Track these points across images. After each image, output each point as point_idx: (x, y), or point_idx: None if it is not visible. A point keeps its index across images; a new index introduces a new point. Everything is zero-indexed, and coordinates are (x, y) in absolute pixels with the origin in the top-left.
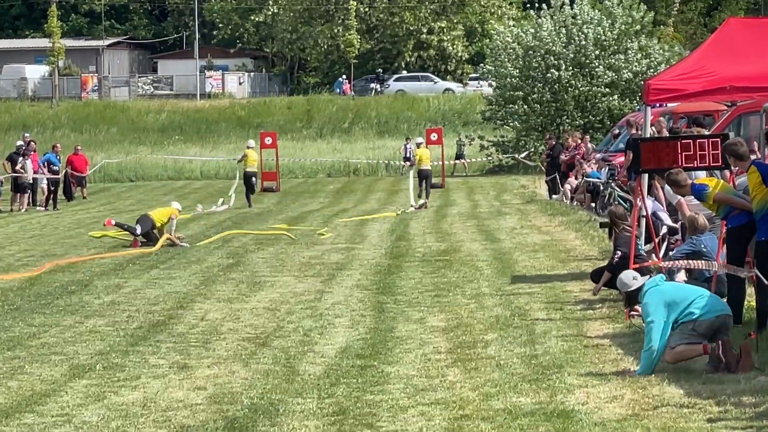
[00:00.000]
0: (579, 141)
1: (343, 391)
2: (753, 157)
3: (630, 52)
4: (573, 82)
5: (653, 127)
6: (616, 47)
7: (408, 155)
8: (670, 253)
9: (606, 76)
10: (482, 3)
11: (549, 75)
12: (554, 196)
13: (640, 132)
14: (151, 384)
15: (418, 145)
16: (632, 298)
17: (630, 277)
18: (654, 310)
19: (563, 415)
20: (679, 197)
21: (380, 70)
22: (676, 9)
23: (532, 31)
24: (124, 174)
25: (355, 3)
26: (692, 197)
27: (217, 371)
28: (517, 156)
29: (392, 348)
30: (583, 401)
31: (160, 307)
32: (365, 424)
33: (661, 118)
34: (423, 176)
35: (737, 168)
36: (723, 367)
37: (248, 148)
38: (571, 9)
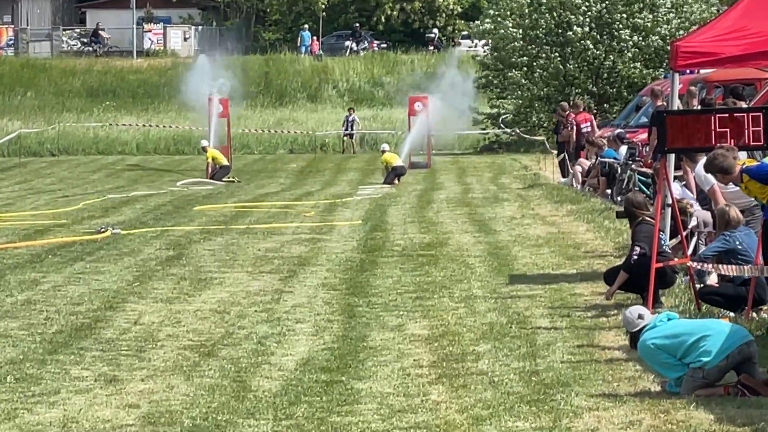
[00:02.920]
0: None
1: (304, 412)
2: None
3: (662, 9)
4: (589, 45)
5: (682, 99)
6: (644, 3)
7: (349, 129)
8: (701, 250)
9: (630, 42)
10: None
11: (560, 36)
12: (562, 180)
13: (666, 104)
14: (72, 400)
15: (383, 152)
16: (636, 339)
17: (636, 315)
18: (647, 357)
19: None
20: (714, 183)
21: (357, 24)
22: None
23: None
24: (45, 147)
25: None
26: (732, 186)
27: (152, 385)
28: (517, 131)
29: (364, 360)
30: (593, 427)
31: (85, 308)
32: None
33: (692, 88)
34: (398, 173)
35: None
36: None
37: (204, 150)
38: None
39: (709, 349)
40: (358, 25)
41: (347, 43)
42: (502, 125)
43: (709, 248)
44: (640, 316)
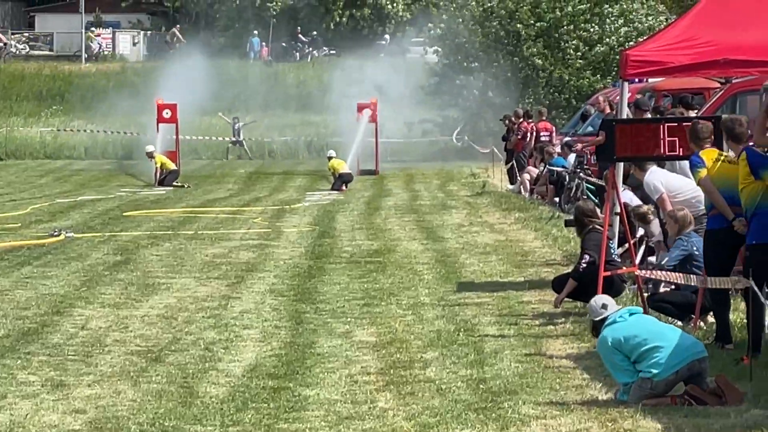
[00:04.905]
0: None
1: (251, 418)
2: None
3: (608, 19)
4: (540, 62)
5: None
6: (591, 14)
7: (237, 137)
8: (650, 258)
9: (578, 53)
10: None
11: (510, 45)
12: (510, 187)
13: (614, 112)
14: (19, 405)
15: (330, 158)
16: (597, 329)
17: (599, 305)
18: (603, 354)
19: None
20: (663, 191)
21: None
22: None
23: None
24: None
25: None
26: (681, 195)
27: (99, 391)
28: (466, 138)
29: (312, 367)
30: None
31: (32, 313)
32: None
33: (638, 96)
34: (346, 180)
35: (730, 151)
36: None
37: (151, 157)
38: None
39: (660, 362)
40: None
41: (307, 49)
42: (456, 137)
43: (672, 257)
44: (604, 306)
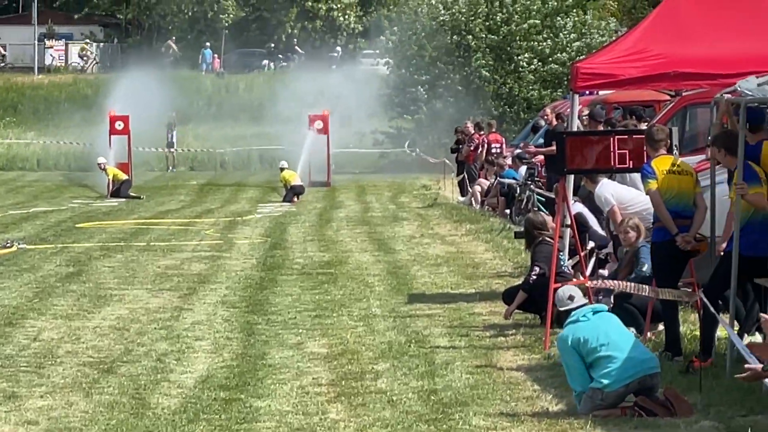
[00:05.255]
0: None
1: (203, 430)
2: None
3: (562, 34)
4: (488, 74)
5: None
6: (543, 28)
7: (170, 142)
8: (600, 271)
9: (530, 67)
10: None
11: (461, 57)
12: (461, 199)
13: (565, 124)
14: None
15: (282, 170)
16: (561, 319)
17: (566, 296)
18: (562, 353)
19: None
20: (613, 204)
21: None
22: None
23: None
24: None
25: None
26: (632, 206)
27: (51, 402)
28: (417, 150)
29: (263, 378)
30: None
31: None
32: None
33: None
34: (297, 192)
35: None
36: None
37: (103, 169)
38: None
39: (611, 373)
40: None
41: (264, 61)
42: (407, 147)
43: (647, 265)
44: (571, 297)
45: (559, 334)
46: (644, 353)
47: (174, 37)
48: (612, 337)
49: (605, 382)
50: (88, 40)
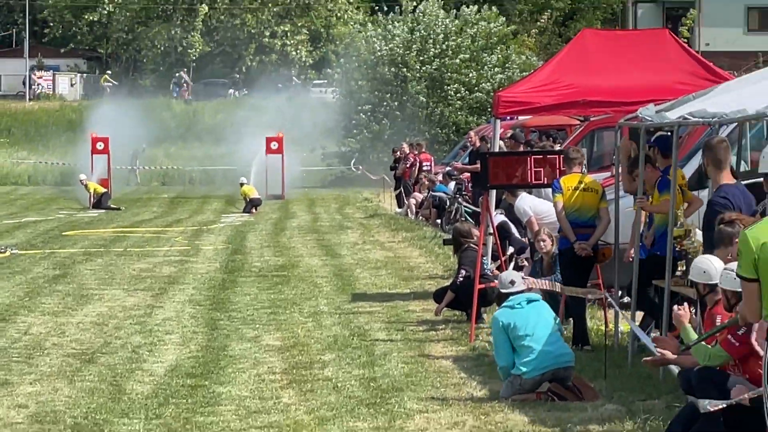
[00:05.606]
0: (407, 151)
1: (171, 412)
2: (603, 176)
3: (487, 67)
4: (424, 100)
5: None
6: (471, 63)
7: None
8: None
9: (458, 96)
10: (328, 7)
11: (399, 87)
12: (398, 210)
13: (488, 145)
14: None
15: (242, 185)
16: (501, 300)
17: (508, 280)
18: (493, 330)
19: None
20: (531, 215)
21: (108, 72)
22: (543, 19)
23: (382, 35)
24: None
25: (205, 7)
26: (550, 218)
27: (39, 388)
28: (360, 168)
29: (225, 367)
30: (422, 427)
31: None
32: None
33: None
34: (255, 204)
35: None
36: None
37: (84, 185)
38: (422, 14)
39: (530, 362)
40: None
41: (230, 90)
42: (353, 165)
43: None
44: (512, 282)
45: (495, 312)
46: (562, 348)
47: (185, 69)
48: (537, 330)
49: (524, 369)
50: (106, 75)
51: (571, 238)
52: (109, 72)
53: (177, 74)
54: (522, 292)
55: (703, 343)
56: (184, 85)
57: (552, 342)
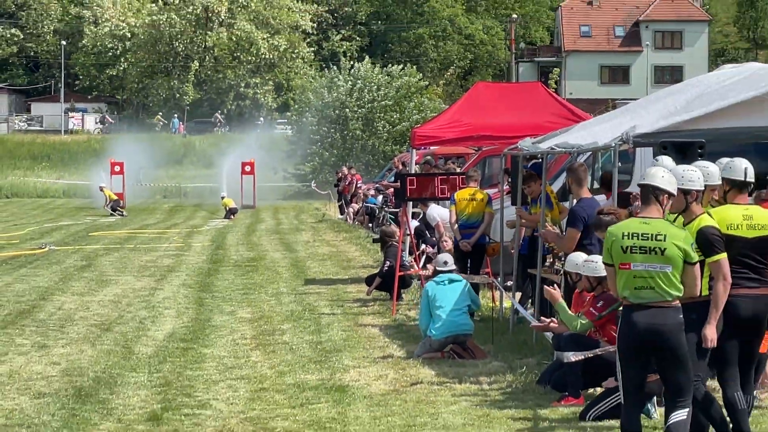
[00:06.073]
0: (346, 173)
1: (168, 368)
2: (492, 191)
3: (406, 110)
4: (359, 133)
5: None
6: (395, 106)
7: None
8: (428, 264)
9: (385, 131)
10: (288, 65)
11: (341, 125)
12: (340, 217)
13: (408, 168)
14: (16, 360)
15: (223, 197)
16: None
17: (442, 261)
18: (422, 297)
19: (340, 390)
20: (438, 221)
21: (161, 113)
22: (448, 73)
23: (328, 87)
24: (2, 192)
25: (196, 63)
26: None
27: (69, 350)
28: (312, 185)
29: (209, 334)
30: (356, 379)
31: (26, 299)
32: (185, 394)
33: (429, 158)
34: (233, 212)
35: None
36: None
37: (101, 190)
38: (359, 71)
39: (438, 327)
40: (219, 113)
41: (216, 128)
42: (312, 184)
43: None
44: (445, 263)
45: (429, 282)
46: (464, 319)
47: (161, 113)
48: (448, 304)
49: (434, 332)
50: (159, 116)
51: (457, 236)
52: (161, 113)
53: (213, 116)
54: (451, 271)
55: (571, 317)
56: (158, 125)
57: (457, 315)
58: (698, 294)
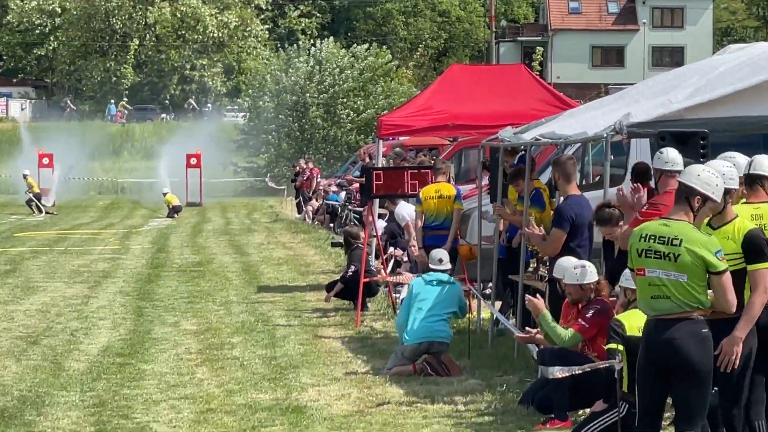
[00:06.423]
0: (305, 166)
1: (103, 386)
2: (469, 187)
3: (372, 96)
4: (320, 122)
5: (388, 158)
6: (359, 91)
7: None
8: (397, 269)
9: (348, 119)
10: (239, 44)
11: (299, 113)
12: (298, 216)
13: (374, 161)
14: None
15: (165, 194)
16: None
17: (437, 258)
18: (408, 290)
19: (297, 411)
20: (408, 220)
21: (125, 100)
22: (417, 54)
23: (284, 69)
24: None
25: (136, 42)
26: None
27: None
28: (266, 180)
29: (149, 348)
30: (315, 398)
31: None
32: (121, 416)
33: (398, 149)
34: (177, 210)
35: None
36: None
37: (25, 177)
38: (320, 51)
39: (410, 331)
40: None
41: (163, 115)
42: (268, 179)
43: None
44: (440, 261)
45: (418, 278)
46: (442, 326)
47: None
48: (428, 307)
49: (407, 337)
50: (124, 102)
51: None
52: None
53: (64, 99)
54: (446, 271)
55: (558, 327)
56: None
57: (435, 320)
58: (734, 310)
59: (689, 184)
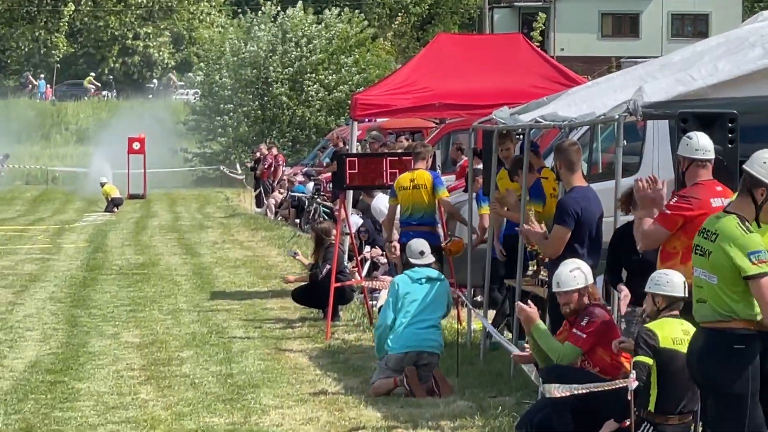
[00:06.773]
0: (266, 152)
1: (31, 407)
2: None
3: (345, 70)
4: (285, 100)
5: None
6: (330, 64)
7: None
8: (374, 272)
9: (318, 97)
10: (191, 10)
11: (261, 89)
12: (258, 210)
13: (347, 147)
14: None
15: (102, 184)
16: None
17: (418, 250)
18: (391, 287)
19: None
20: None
21: (92, 74)
22: (397, 22)
23: (244, 38)
24: None
25: (72, 6)
26: None
27: None
28: (222, 168)
29: (84, 363)
30: (278, 423)
31: None
32: None
33: (374, 133)
34: (117, 203)
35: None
36: (432, 392)
37: None
38: (289, 19)
39: (395, 339)
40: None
41: (103, 92)
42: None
43: None
44: (421, 253)
45: (402, 275)
46: (432, 334)
47: (92, 74)
48: (420, 310)
49: (391, 345)
50: (91, 77)
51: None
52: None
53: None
54: (429, 265)
55: (555, 341)
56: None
57: (424, 327)
58: None
59: (753, 173)
